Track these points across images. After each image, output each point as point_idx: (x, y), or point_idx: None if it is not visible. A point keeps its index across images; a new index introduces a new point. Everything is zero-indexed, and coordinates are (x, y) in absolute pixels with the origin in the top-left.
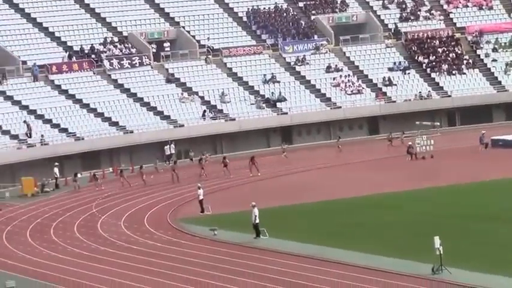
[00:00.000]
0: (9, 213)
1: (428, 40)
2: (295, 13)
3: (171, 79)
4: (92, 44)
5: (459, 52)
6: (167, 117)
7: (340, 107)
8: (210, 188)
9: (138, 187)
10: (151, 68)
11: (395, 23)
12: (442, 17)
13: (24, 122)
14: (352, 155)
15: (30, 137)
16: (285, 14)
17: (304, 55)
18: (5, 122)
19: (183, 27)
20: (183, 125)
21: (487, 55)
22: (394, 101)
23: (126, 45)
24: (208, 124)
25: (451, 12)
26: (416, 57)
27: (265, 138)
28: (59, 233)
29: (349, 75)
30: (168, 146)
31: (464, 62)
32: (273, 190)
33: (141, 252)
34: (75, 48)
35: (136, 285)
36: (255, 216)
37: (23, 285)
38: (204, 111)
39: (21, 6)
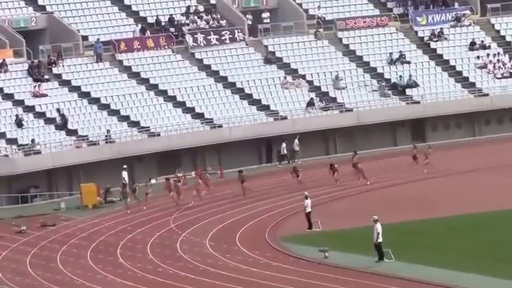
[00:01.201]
0: (64, 228)
1: None
2: None
3: (270, 59)
4: (170, 15)
5: None
6: (266, 108)
7: (487, 95)
8: (318, 198)
9: (226, 196)
10: (246, 45)
11: None
12: None
13: (58, 111)
14: (504, 155)
15: (63, 129)
16: None
17: (441, 28)
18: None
19: None
20: (285, 118)
21: None
22: None
23: (215, 16)
24: (317, 116)
25: None
26: None
27: (391, 134)
28: (128, 255)
29: (498, 53)
30: (284, 143)
31: None
32: (398, 201)
33: (232, 280)
34: (150, 20)
35: None
36: (378, 233)
37: None
38: (312, 99)
39: None
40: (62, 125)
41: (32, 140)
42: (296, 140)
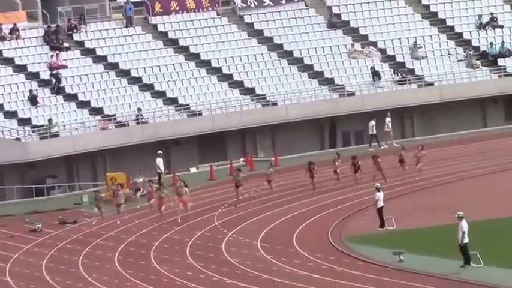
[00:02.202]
0: (87, 226)
1: None
2: None
3: (335, 23)
4: None
5: None
6: (329, 82)
7: None
8: (392, 190)
9: (281, 189)
10: (306, 5)
11: None
12: None
13: (52, 74)
14: None
15: (59, 93)
16: None
17: None
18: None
19: None
20: (353, 93)
21: None
22: None
23: None
24: (391, 92)
25: None
26: None
27: (480, 112)
28: (163, 258)
29: None
30: (373, 121)
31: None
32: (486, 194)
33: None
34: None
35: None
36: (463, 232)
37: None
38: (373, 69)
39: None
40: (56, 89)
41: (49, 120)
42: (388, 119)
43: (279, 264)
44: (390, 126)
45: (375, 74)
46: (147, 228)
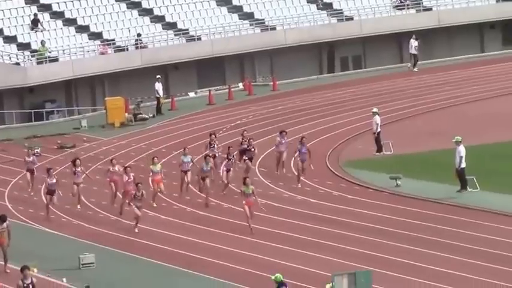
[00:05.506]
0: (86, 151)
1: None
2: None
3: None
4: None
5: None
6: (327, 6)
7: None
8: (390, 115)
9: (278, 114)
10: None
11: None
12: None
13: (35, 16)
14: None
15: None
16: None
17: None
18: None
19: None
20: (351, 18)
21: None
22: None
23: None
24: (389, 17)
25: None
26: None
27: (478, 37)
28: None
29: None
30: (415, 40)
31: None
32: (485, 118)
33: (285, 213)
34: None
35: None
36: (460, 157)
37: (105, 259)
38: None
39: None
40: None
41: (42, 42)
42: (412, 41)
43: (277, 189)
44: (415, 49)
45: None
46: (146, 153)
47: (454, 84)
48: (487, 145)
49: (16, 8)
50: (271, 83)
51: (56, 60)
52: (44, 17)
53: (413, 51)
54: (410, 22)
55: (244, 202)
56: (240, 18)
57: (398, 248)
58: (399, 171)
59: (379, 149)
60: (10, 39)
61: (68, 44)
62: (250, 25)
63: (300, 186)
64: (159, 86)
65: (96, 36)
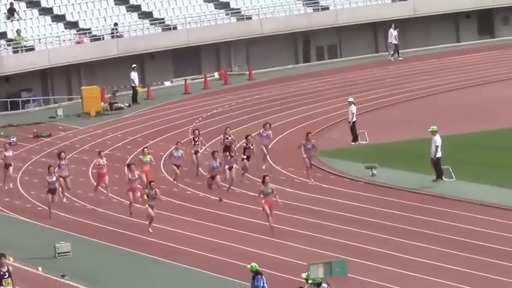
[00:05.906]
0: (62, 140)
1: None
2: None
3: None
4: None
5: None
6: None
7: None
8: (366, 104)
9: (253, 104)
10: None
11: None
12: None
13: (11, 5)
14: None
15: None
16: None
17: None
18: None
19: None
20: (327, 8)
21: None
22: None
23: None
24: (365, 6)
25: None
26: None
27: (454, 27)
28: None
29: None
30: (394, 30)
31: None
32: (460, 108)
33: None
34: None
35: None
36: (436, 147)
37: (81, 248)
38: None
39: None
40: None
41: (17, 31)
42: (391, 30)
43: (252, 178)
44: (395, 38)
45: None
46: (122, 142)
47: (430, 74)
48: (463, 135)
49: None
50: (247, 72)
51: (32, 49)
52: (20, 6)
53: (393, 40)
54: (386, 12)
55: (263, 201)
56: (216, 8)
57: (374, 237)
58: (375, 161)
59: (355, 139)
60: None
61: (44, 33)
62: (226, 14)
63: (312, 181)
64: (134, 75)
65: (72, 25)
